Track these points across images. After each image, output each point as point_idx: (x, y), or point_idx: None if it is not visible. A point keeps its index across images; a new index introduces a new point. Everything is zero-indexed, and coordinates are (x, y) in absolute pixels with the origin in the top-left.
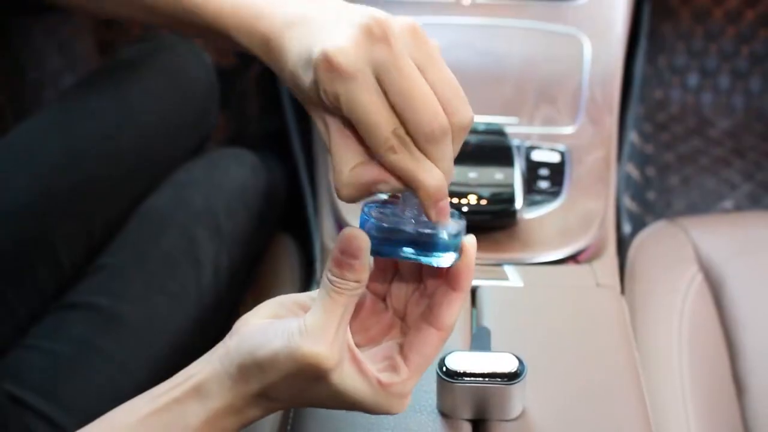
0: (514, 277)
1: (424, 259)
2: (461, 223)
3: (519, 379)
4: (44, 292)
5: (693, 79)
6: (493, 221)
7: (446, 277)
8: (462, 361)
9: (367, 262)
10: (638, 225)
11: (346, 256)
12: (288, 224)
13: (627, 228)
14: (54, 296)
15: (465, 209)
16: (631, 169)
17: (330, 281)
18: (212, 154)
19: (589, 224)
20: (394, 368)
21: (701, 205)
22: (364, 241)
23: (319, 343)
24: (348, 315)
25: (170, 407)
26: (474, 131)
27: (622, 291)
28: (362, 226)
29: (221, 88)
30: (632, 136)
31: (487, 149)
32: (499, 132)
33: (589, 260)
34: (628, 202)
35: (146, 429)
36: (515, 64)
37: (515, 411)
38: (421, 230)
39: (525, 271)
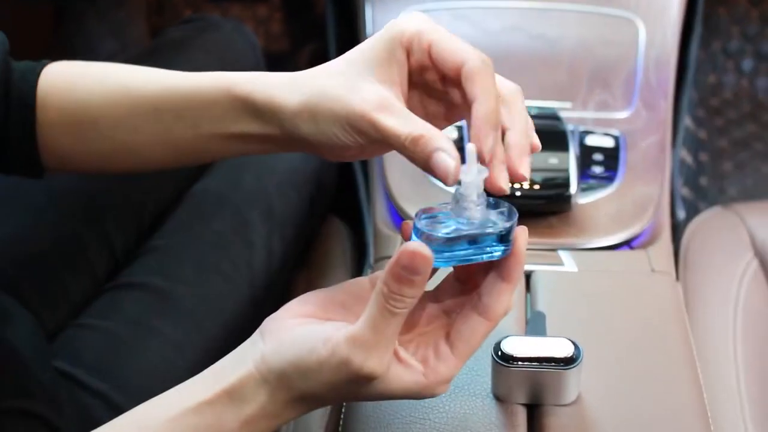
0: (568, 262)
1: (480, 258)
2: (513, 216)
3: (575, 364)
4: (97, 275)
5: (748, 64)
6: (547, 206)
7: (497, 267)
8: (517, 345)
9: (428, 277)
10: (691, 211)
11: (408, 271)
12: (339, 208)
13: (681, 214)
14: (107, 278)
15: (519, 194)
16: (685, 155)
17: (385, 296)
18: None
19: (644, 210)
20: (437, 354)
21: (755, 191)
22: (429, 258)
23: (371, 357)
24: (399, 327)
25: (201, 409)
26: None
27: (677, 277)
28: (418, 238)
29: (273, 69)
30: (686, 121)
31: (541, 134)
32: (553, 116)
33: (643, 246)
34: (681, 188)
35: (175, 428)
36: (569, 47)
37: (570, 396)
38: (475, 231)
39: (579, 257)
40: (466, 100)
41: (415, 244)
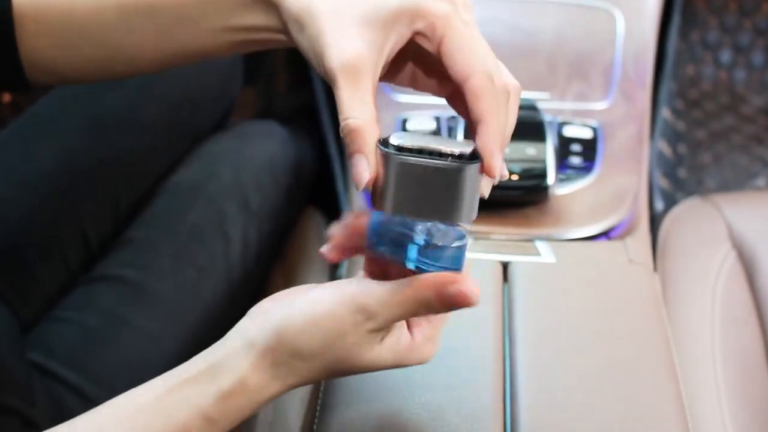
0: (546, 252)
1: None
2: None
3: (475, 162)
4: (71, 266)
5: (726, 55)
6: (525, 197)
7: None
8: (408, 138)
9: None
10: (669, 202)
11: (453, 303)
12: (317, 199)
13: (659, 205)
14: (81, 270)
15: (496, 184)
16: (663, 146)
17: (418, 302)
18: (241, 127)
19: (622, 200)
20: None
21: (733, 183)
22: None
23: (373, 321)
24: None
25: (182, 387)
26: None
27: (655, 268)
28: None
29: (250, 64)
30: (664, 112)
31: (519, 124)
32: (531, 107)
33: (621, 237)
34: (659, 179)
35: (159, 408)
36: (547, 39)
37: (468, 213)
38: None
39: (557, 247)
40: (468, 111)
41: (475, 288)
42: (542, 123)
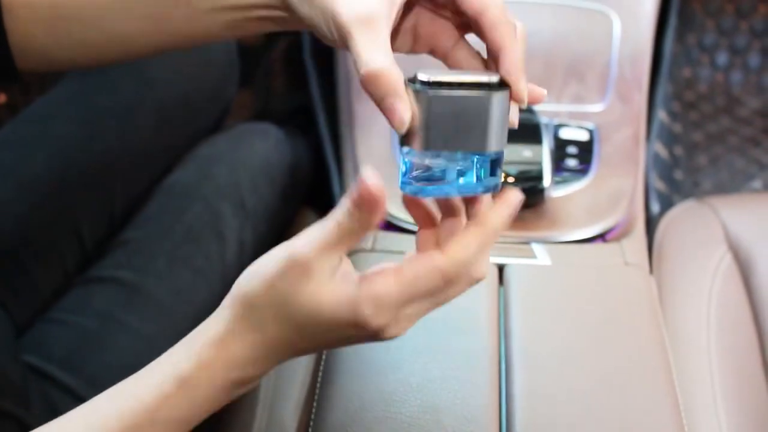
0: (542, 255)
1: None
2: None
3: (503, 89)
4: (67, 267)
5: (722, 58)
6: None
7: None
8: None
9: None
10: (666, 204)
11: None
12: (313, 200)
13: (655, 207)
14: (77, 271)
15: None
16: (659, 148)
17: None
18: (237, 128)
19: (618, 203)
20: None
21: (729, 185)
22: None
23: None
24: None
25: (160, 359)
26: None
27: (651, 270)
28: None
29: (247, 66)
30: (660, 114)
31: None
32: (527, 109)
33: (617, 239)
34: (655, 182)
35: (142, 382)
36: (544, 41)
37: (496, 140)
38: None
39: (553, 250)
40: (487, 42)
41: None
42: (538, 125)
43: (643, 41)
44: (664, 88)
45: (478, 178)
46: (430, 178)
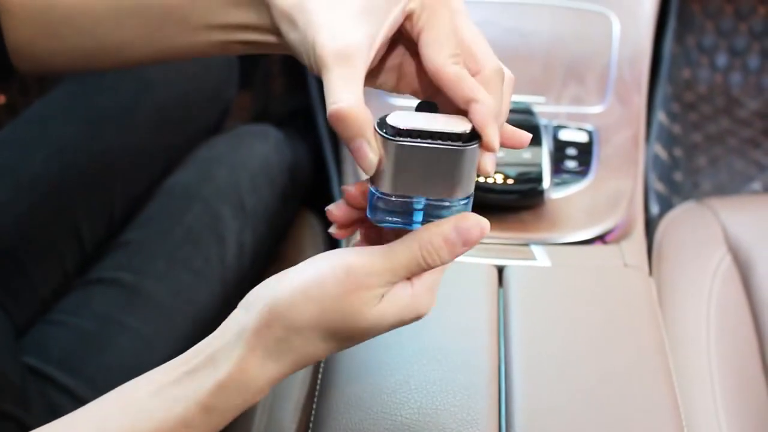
0: (541, 256)
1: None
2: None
3: (474, 143)
4: (66, 268)
5: (722, 59)
6: (520, 201)
7: None
8: (405, 118)
9: None
10: (665, 206)
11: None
12: (312, 201)
13: (654, 209)
14: (76, 272)
15: (492, 188)
16: (659, 150)
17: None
18: (236, 130)
19: (617, 204)
20: None
21: (729, 187)
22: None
23: (375, 276)
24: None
25: (181, 380)
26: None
27: (650, 272)
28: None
29: (246, 68)
30: (660, 116)
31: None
32: (527, 111)
33: (617, 240)
34: (655, 183)
35: (159, 402)
36: (543, 42)
37: (467, 187)
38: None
39: (552, 251)
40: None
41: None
42: (538, 127)
43: (642, 43)
44: (663, 89)
45: (443, 216)
46: (396, 212)
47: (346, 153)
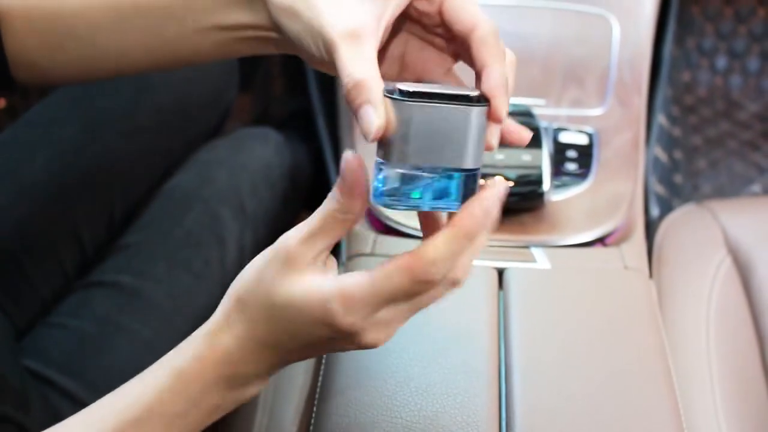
0: (541, 259)
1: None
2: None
3: (482, 104)
4: (67, 271)
5: (721, 62)
6: (520, 203)
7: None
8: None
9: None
10: (665, 208)
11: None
12: (313, 204)
13: (655, 211)
14: (76, 275)
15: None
16: (659, 152)
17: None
18: (237, 133)
19: (617, 207)
20: None
21: (729, 189)
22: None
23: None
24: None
25: (163, 357)
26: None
27: (650, 274)
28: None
29: (246, 70)
30: (660, 118)
31: None
32: (527, 113)
33: (617, 243)
34: (655, 185)
35: (144, 378)
36: (543, 45)
37: (473, 157)
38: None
39: (552, 254)
40: (473, 62)
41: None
42: (538, 129)
43: (642, 45)
44: (663, 92)
45: (452, 194)
46: (403, 191)
47: None
